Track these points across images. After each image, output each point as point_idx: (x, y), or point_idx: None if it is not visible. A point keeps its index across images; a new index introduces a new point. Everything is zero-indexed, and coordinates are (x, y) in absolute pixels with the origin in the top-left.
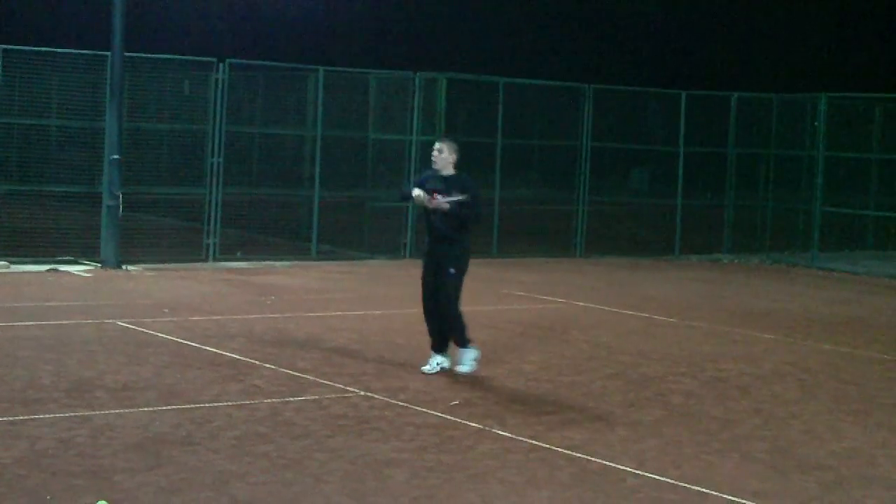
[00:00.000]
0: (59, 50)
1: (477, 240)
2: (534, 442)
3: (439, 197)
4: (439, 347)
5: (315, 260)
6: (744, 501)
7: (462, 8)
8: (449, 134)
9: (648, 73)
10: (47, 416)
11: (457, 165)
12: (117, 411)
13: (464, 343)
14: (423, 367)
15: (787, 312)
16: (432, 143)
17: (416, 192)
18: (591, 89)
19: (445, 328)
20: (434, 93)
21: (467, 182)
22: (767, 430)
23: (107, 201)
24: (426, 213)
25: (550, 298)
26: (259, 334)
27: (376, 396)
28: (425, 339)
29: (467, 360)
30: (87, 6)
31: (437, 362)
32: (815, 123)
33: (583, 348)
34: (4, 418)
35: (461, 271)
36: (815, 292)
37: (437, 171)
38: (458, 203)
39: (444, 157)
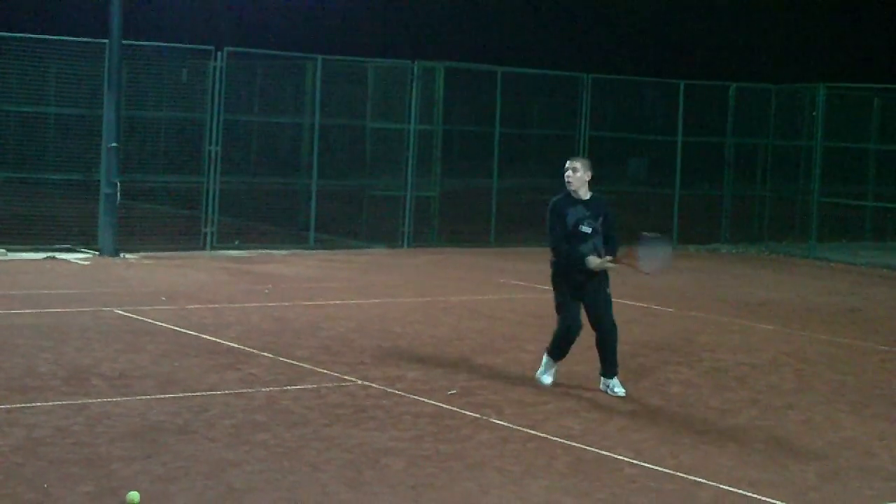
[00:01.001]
0: (56, 38)
1: (475, 229)
2: (531, 431)
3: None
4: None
5: (313, 249)
6: (741, 491)
7: None
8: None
9: (647, 63)
10: (44, 404)
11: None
12: (114, 399)
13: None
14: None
15: (785, 303)
16: (430, 133)
17: (593, 263)
18: (590, 78)
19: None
20: (432, 82)
21: (608, 207)
22: (765, 421)
23: (104, 189)
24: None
25: (548, 288)
26: (256, 323)
27: (374, 385)
28: (423, 328)
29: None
30: None
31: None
32: (814, 114)
33: (580, 338)
34: (1, 406)
35: (554, 289)
36: (813, 283)
37: (573, 193)
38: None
39: (579, 176)
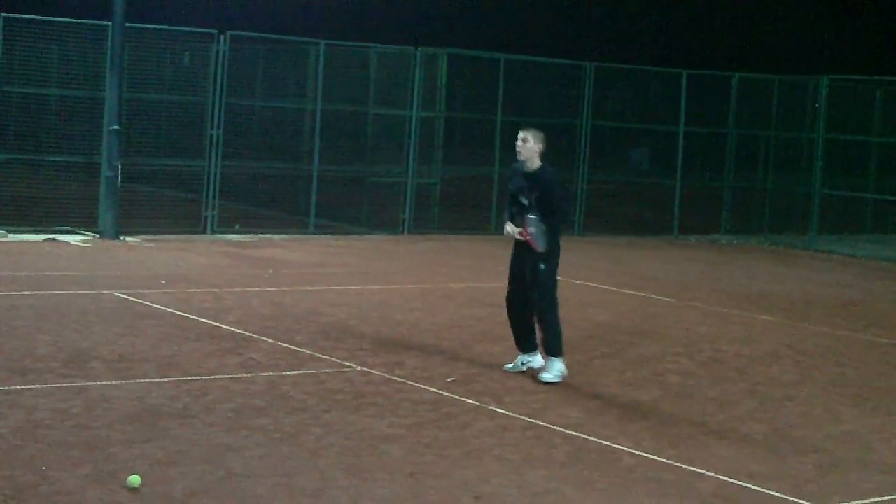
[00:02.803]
0: (59, 19)
1: (476, 216)
2: (530, 420)
3: (531, 230)
4: (524, 346)
5: (313, 234)
6: (739, 483)
7: None
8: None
9: (650, 52)
10: (44, 386)
11: (543, 156)
12: (114, 382)
13: (556, 351)
14: (506, 366)
15: (785, 294)
16: (432, 119)
17: (507, 228)
18: (592, 67)
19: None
20: (435, 68)
21: (549, 181)
22: (764, 412)
23: (106, 172)
24: (510, 207)
25: None
26: (256, 307)
27: (374, 372)
28: (423, 315)
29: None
30: None
31: (521, 362)
32: (816, 105)
33: (580, 327)
34: (1, 388)
35: (553, 266)
36: (814, 275)
37: (521, 164)
38: (543, 230)
39: (529, 146)
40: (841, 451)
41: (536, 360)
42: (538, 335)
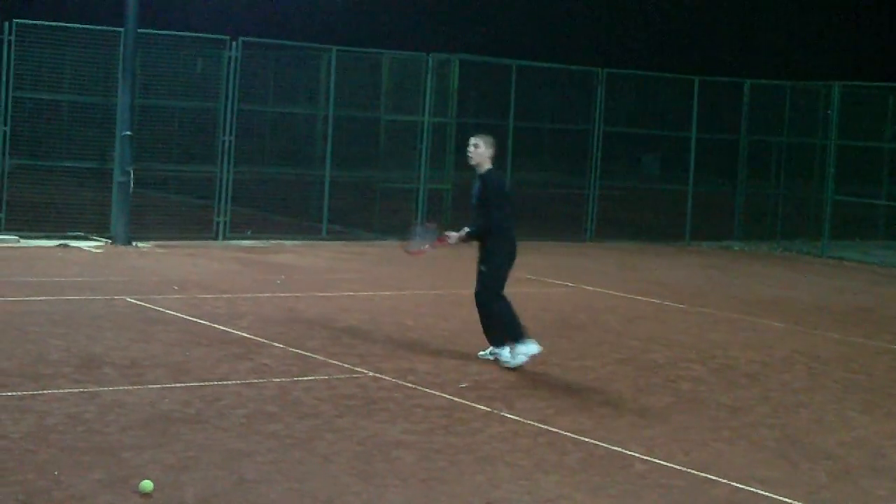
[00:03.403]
0: (72, 25)
1: None
2: (542, 426)
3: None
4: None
5: (325, 240)
6: (751, 489)
7: None
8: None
9: (662, 58)
10: (56, 391)
11: (493, 160)
12: (126, 388)
13: (511, 337)
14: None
15: (797, 301)
16: (444, 125)
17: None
18: (604, 73)
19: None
20: (447, 74)
21: (492, 184)
22: (776, 419)
23: (118, 177)
24: None
25: (560, 283)
26: (268, 313)
27: (385, 377)
28: (434, 321)
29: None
30: None
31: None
32: (828, 112)
33: (592, 333)
34: (13, 393)
35: (493, 267)
36: (826, 281)
37: (475, 168)
38: (468, 234)
39: (480, 152)
40: (853, 457)
41: (503, 354)
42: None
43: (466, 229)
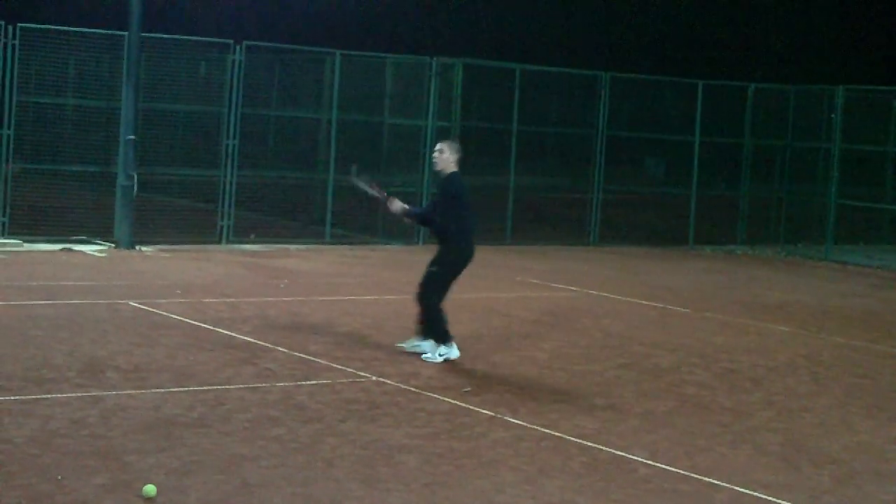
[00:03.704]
0: (75, 29)
1: (491, 227)
2: (546, 430)
3: (395, 201)
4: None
5: (329, 244)
6: (755, 493)
7: None
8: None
9: (665, 62)
10: (59, 395)
11: (459, 164)
12: (129, 392)
13: (437, 338)
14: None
15: (801, 305)
16: (448, 129)
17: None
18: (608, 77)
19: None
20: (450, 78)
21: (445, 187)
22: (780, 423)
23: (121, 181)
24: None
25: (564, 287)
26: (272, 317)
27: (389, 382)
28: None
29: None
30: None
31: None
32: (832, 115)
33: (596, 337)
34: (17, 397)
35: (444, 270)
36: (830, 285)
37: (439, 173)
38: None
39: (445, 157)
40: (857, 461)
41: (422, 346)
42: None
43: (411, 209)
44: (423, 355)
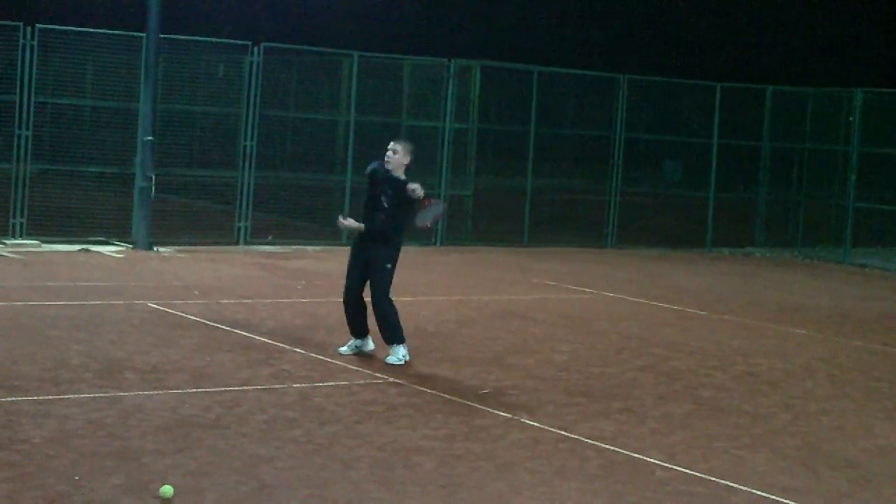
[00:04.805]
0: (94, 30)
1: (508, 228)
2: (563, 433)
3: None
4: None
5: (346, 245)
6: (773, 497)
7: None
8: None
9: (683, 65)
10: (77, 396)
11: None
12: (147, 393)
13: (393, 339)
14: (341, 349)
15: (819, 308)
16: (465, 131)
17: (349, 222)
18: (626, 79)
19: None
20: (468, 80)
21: (404, 193)
22: (798, 426)
23: (139, 182)
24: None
25: (581, 289)
26: (289, 318)
27: (405, 383)
28: (455, 327)
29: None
30: None
31: (355, 345)
32: (850, 118)
33: (613, 340)
34: (35, 397)
35: (393, 268)
36: (848, 288)
37: (386, 170)
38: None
39: (398, 158)
40: (875, 465)
41: (368, 344)
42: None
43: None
44: (388, 359)
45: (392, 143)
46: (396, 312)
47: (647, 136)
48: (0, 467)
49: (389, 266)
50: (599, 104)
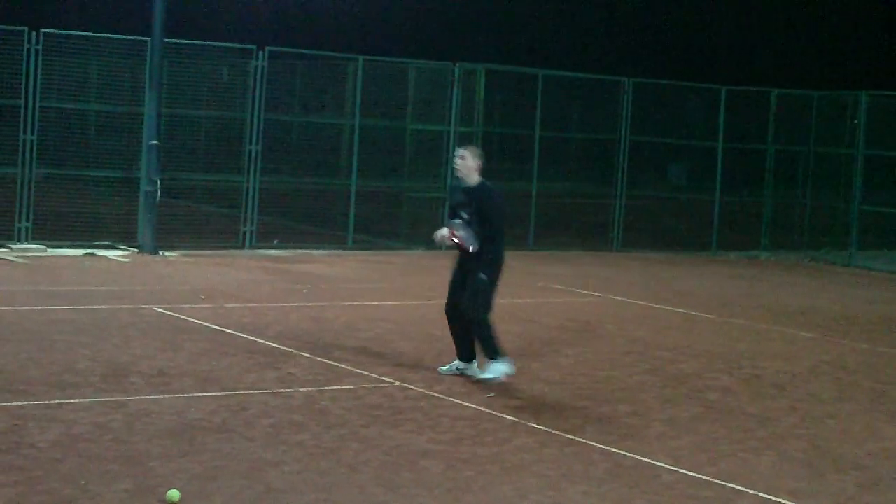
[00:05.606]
0: (98, 35)
1: (514, 232)
2: (569, 436)
3: (459, 233)
4: (461, 354)
5: (351, 249)
6: (779, 500)
7: None
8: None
9: (688, 68)
10: (83, 400)
11: (481, 171)
12: (153, 397)
13: (492, 354)
14: (441, 368)
15: (825, 311)
16: (470, 134)
17: (436, 234)
18: (631, 83)
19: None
20: (473, 84)
21: (486, 196)
22: (804, 429)
23: (145, 187)
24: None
25: (587, 292)
26: (295, 322)
27: (412, 387)
28: None
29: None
30: None
31: (457, 367)
32: (855, 121)
33: (619, 343)
34: (41, 402)
35: (492, 279)
36: (853, 291)
37: (461, 180)
38: (472, 232)
39: (467, 163)
40: (882, 468)
41: (470, 369)
42: (475, 341)
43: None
44: (483, 375)
45: (458, 150)
46: (490, 327)
47: (652, 139)
48: (7, 471)
49: (484, 277)
50: (604, 107)
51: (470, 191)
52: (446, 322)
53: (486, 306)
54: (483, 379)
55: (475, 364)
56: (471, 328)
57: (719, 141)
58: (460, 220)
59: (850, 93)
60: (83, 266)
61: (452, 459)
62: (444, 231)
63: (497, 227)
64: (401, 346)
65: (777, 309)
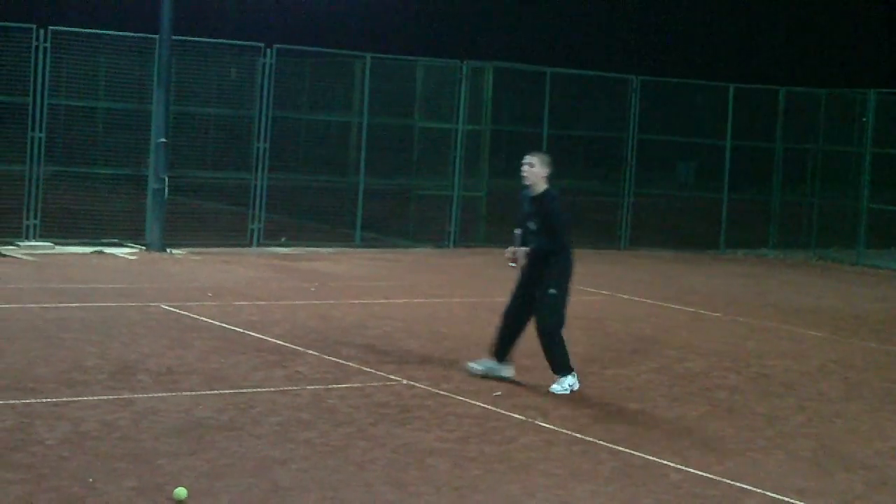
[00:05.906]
0: (107, 32)
1: None
2: (577, 435)
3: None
4: (498, 353)
5: (359, 247)
6: (787, 499)
7: None
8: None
9: (696, 66)
10: (91, 398)
11: (549, 179)
12: (160, 395)
13: (561, 369)
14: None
15: (833, 309)
16: (478, 132)
17: (507, 252)
18: (639, 80)
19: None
20: (481, 82)
21: (549, 206)
22: (812, 428)
23: (153, 184)
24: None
25: (595, 290)
26: (303, 320)
27: (420, 385)
28: (469, 328)
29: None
30: None
31: (489, 366)
32: (864, 119)
33: (627, 341)
34: (48, 399)
35: (561, 292)
36: (862, 290)
37: (528, 189)
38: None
39: (535, 171)
40: (890, 467)
41: (502, 370)
42: (544, 355)
43: (525, 249)
44: (553, 388)
45: (526, 157)
46: (562, 342)
47: (660, 137)
48: (14, 469)
49: (554, 292)
50: (612, 105)
51: (536, 200)
52: (502, 322)
53: (559, 321)
54: (554, 392)
55: (507, 367)
56: (540, 341)
57: (727, 139)
58: (520, 232)
59: (858, 91)
60: (91, 263)
61: (460, 458)
62: (510, 250)
63: (562, 238)
64: (408, 344)
65: (785, 307)
